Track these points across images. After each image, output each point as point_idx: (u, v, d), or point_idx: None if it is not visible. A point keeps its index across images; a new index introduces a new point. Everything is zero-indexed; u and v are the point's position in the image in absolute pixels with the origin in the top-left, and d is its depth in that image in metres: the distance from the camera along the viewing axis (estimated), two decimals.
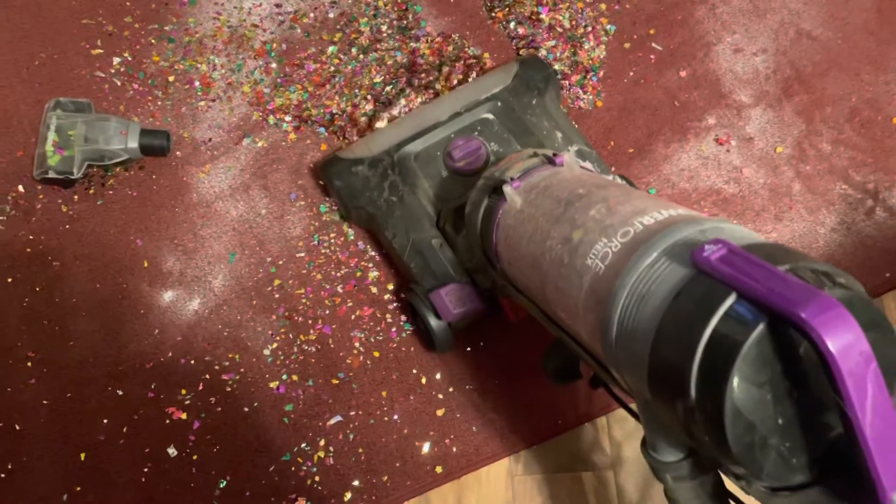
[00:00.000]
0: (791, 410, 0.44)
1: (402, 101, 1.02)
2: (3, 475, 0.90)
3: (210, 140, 1.04)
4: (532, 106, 0.97)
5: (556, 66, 1.06)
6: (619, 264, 0.54)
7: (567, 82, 1.07)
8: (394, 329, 0.96)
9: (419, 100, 1.02)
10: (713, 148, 1.06)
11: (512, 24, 1.10)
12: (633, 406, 0.67)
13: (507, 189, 0.74)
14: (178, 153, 1.03)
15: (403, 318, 0.97)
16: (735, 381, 0.43)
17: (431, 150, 0.95)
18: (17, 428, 0.91)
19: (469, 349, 0.96)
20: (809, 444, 0.44)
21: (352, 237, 1.00)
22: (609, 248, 0.56)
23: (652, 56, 1.10)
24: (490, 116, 0.96)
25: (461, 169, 0.93)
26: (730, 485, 0.52)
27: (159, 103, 1.05)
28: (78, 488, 0.89)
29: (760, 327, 0.43)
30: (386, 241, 0.94)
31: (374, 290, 0.98)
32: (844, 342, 0.40)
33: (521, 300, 0.77)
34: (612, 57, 1.10)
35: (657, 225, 0.55)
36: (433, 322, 0.88)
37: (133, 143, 0.99)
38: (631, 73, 1.09)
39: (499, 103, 0.97)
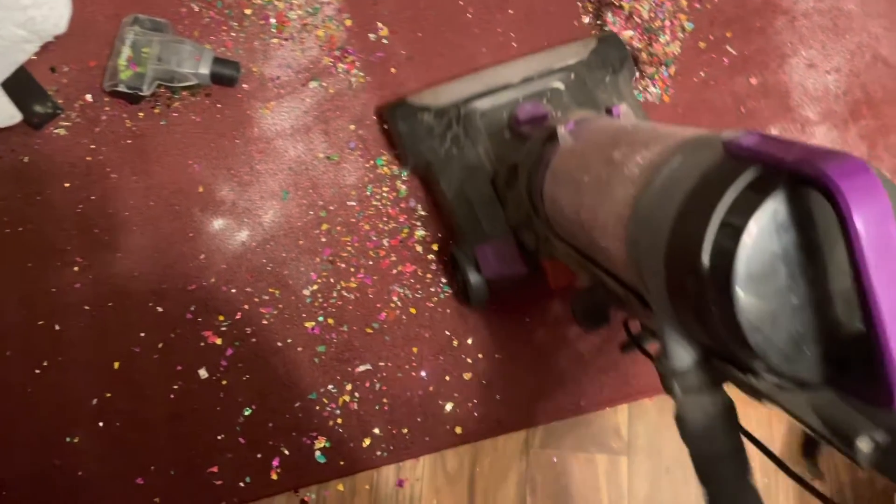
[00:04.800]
0: (806, 292, 0.41)
1: None
2: (37, 370, 0.92)
3: (278, 78, 1.05)
4: (605, 83, 0.97)
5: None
6: (654, 166, 0.52)
7: (639, 73, 1.06)
8: (433, 289, 0.98)
9: None
10: None
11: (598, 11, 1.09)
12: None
13: (560, 129, 0.74)
14: (245, 86, 1.04)
15: (444, 280, 0.98)
16: (748, 247, 0.40)
17: (498, 110, 0.95)
18: (57, 328, 0.94)
19: (503, 320, 0.97)
20: (823, 334, 0.41)
21: (404, 194, 1.01)
22: (647, 157, 0.55)
23: (725, 59, 1.10)
24: (561, 87, 0.96)
25: (524, 132, 0.93)
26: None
27: (233, 34, 1.06)
28: (108, 395, 0.92)
29: (779, 189, 0.40)
30: (439, 191, 0.95)
31: (419, 248, 0.99)
32: (869, 208, 0.36)
33: (560, 248, 0.76)
34: (686, 54, 1.10)
35: (699, 133, 0.53)
36: (472, 276, 0.88)
37: (204, 70, 1.00)
38: (702, 74, 1.09)
39: (572, 75, 0.97)
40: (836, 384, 0.42)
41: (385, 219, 1.00)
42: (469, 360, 0.95)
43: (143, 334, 0.94)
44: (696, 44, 1.11)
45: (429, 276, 0.98)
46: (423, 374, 0.95)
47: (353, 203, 1.01)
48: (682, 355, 0.49)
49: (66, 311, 0.94)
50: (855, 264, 0.37)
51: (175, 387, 0.93)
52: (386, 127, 1.01)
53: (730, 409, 0.49)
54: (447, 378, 0.95)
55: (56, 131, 0.99)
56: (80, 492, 0.89)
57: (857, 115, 1.09)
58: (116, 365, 0.93)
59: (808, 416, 0.42)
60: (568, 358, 0.96)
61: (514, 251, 0.88)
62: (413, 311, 0.97)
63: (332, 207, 1.00)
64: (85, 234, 0.97)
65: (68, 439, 0.90)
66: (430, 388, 0.94)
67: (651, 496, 0.93)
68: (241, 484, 0.90)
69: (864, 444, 0.38)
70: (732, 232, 0.41)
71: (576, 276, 0.76)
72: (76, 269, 0.95)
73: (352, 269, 0.98)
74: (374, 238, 0.99)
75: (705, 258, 0.42)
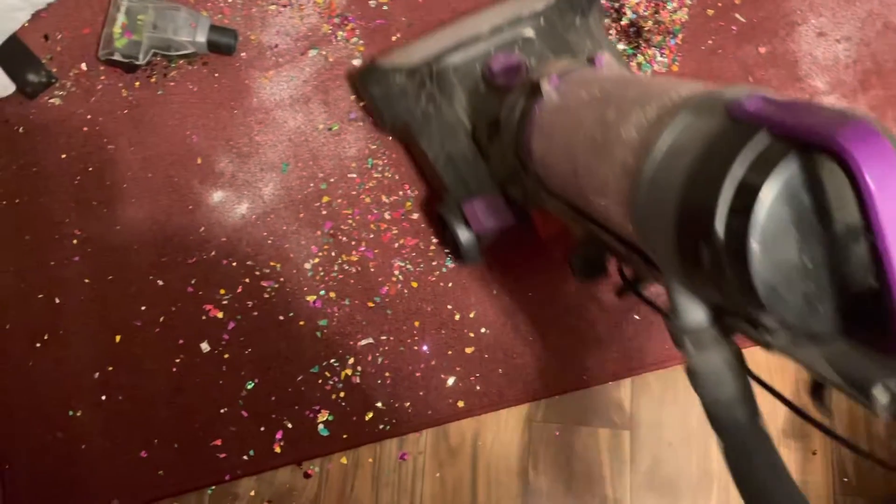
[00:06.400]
0: (820, 254, 0.42)
1: None
2: (38, 344, 0.92)
3: (276, 46, 1.02)
4: (575, 26, 0.94)
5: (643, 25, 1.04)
6: (655, 129, 0.52)
7: (645, 42, 1.04)
8: (434, 262, 0.97)
9: None
10: None
11: None
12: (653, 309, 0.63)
13: (544, 85, 0.72)
14: (242, 55, 1.01)
15: (447, 252, 0.97)
16: (762, 212, 0.41)
17: (471, 64, 0.92)
18: (57, 301, 0.93)
19: (506, 294, 0.96)
20: (836, 292, 0.42)
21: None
22: (644, 117, 0.54)
23: (734, 27, 1.08)
24: (532, 34, 0.93)
25: (500, 84, 0.90)
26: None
27: (230, 1, 1.03)
28: (110, 368, 0.92)
29: (791, 156, 0.41)
30: (420, 151, 0.93)
31: (421, 223, 0.98)
32: (882, 169, 0.37)
33: (552, 204, 0.76)
34: (694, 22, 1.07)
35: (695, 92, 0.53)
36: (462, 233, 0.88)
37: (201, 38, 0.97)
38: (710, 42, 1.07)
39: (541, 21, 0.93)
40: (849, 336, 0.43)
41: (387, 191, 0.99)
42: (471, 335, 0.95)
43: (143, 308, 0.93)
44: (703, 11, 1.08)
45: (431, 248, 0.97)
46: (424, 348, 0.94)
47: (354, 175, 0.99)
48: (693, 313, 0.50)
49: (65, 285, 0.93)
50: (869, 223, 0.38)
51: (177, 360, 0.92)
52: (358, 93, 0.99)
53: (738, 356, 0.51)
54: (449, 352, 0.95)
55: (51, 101, 0.97)
56: (84, 465, 0.89)
57: (866, 84, 1.07)
58: (118, 338, 0.92)
59: (822, 368, 0.43)
60: (571, 332, 0.95)
61: (501, 204, 0.87)
62: (415, 284, 0.96)
63: (332, 180, 0.99)
64: (83, 207, 0.96)
65: (70, 413, 0.90)
66: (433, 362, 0.94)
67: (653, 470, 0.94)
68: (245, 457, 0.90)
69: (879, 393, 0.39)
70: (746, 199, 0.42)
71: (564, 224, 0.76)
72: (75, 241, 0.94)
73: (353, 243, 0.97)
74: (376, 211, 0.98)
75: (719, 224, 0.43)
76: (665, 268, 0.52)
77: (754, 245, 0.41)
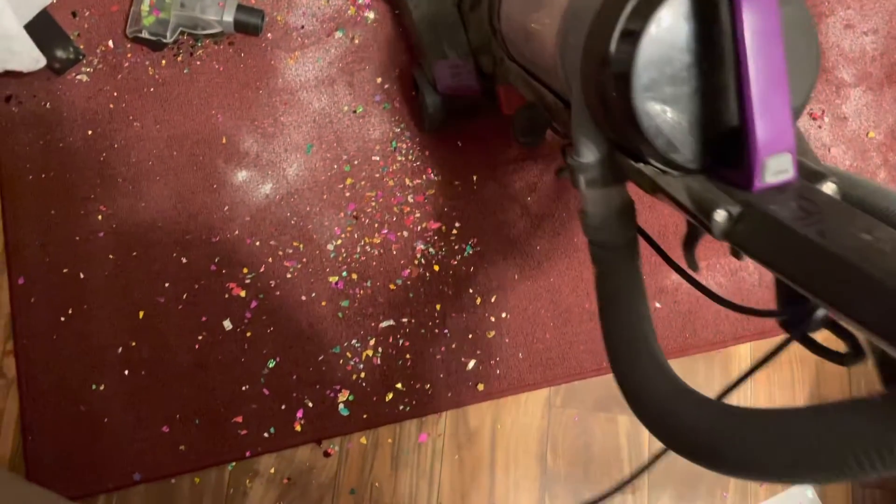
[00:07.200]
0: (697, 83, 0.45)
1: None
2: (62, 318, 0.93)
3: (302, 27, 1.02)
4: None
5: None
6: None
7: None
8: (457, 246, 0.97)
9: None
10: (805, 121, 1.04)
11: None
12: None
13: None
14: (269, 35, 1.02)
15: (473, 239, 0.97)
16: (651, 32, 0.44)
17: None
18: (82, 276, 0.94)
19: (528, 279, 0.97)
20: (707, 125, 0.46)
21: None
22: None
23: None
24: None
25: None
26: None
27: None
28: (133, 343, 0.92)
29: None
30: (406, 11, 0.95)
31: (444, 207, 0.98)
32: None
33: (513, 70, 0.78)
34: None
35: None
36: (428, 94, 0.90)
37: (228, 17, 0.98)
38: None
39: None
40: (709, 171, 0.47)
41: (410, 174, 0.99)
42: (492, 319, 0.95)
43: (167, 284, 0.94)
44: None
45: (454, 232, 0.98)
46: (445, 331, 0.95)
47: (378, 158, 0.99)
48: (589, 151, 0.53)
49: (90, 260, 0.94)
50: (736, 50, 0.42)
51: (199, 337, 0.93)
52: None
53: (628, 206, 0.54)
54: (470, 336, 0.95)
55: (78, 77, 0.98)
56: (106, 438, 0.90)
57: (893, 77, 1.06)
58: (141, 314, 0.93)
59: (681, 195, 0.46)
60: (591, 318, 0.95)
61: (470, 69, 0.90)
62: (436, 268, 0.97)
63: (356, 162, 0.99)
64: (108, 183, 0.96)
65: (94, 386, 0.91)
66: (453, 346, 0.94)
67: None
68: (266, 434, 0.91)
69: (718, 216, 0.42)
70: (639, 20, 0.45)
71: (523, 99, 0.79)
72: (100, 217, 0.95)
73: (376, 225, 0.97)
74: (399, 194, 0.98)
75: (612, 48, 0.46)
76: (574, 107, 0.55)
77: (637, 69, 0.44)
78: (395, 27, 1.02)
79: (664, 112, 0.46)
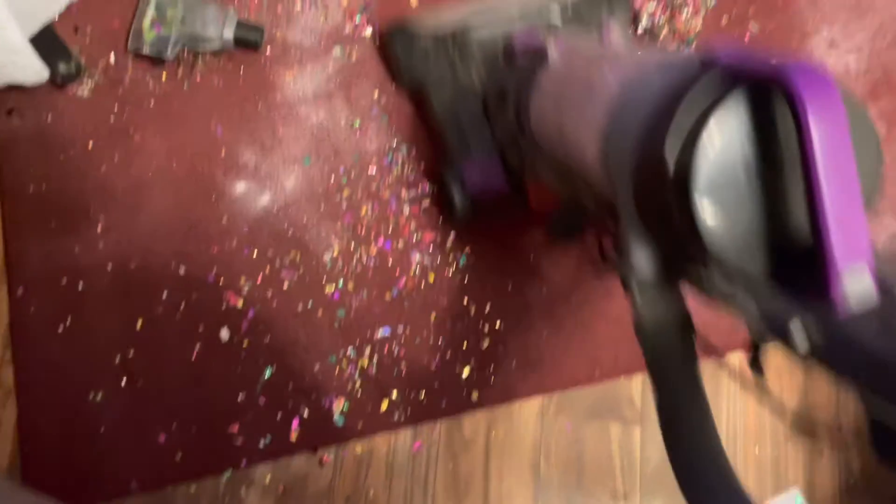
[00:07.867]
0: (763, 199, 0.44)
1: None
2: (61, 328, 0.93)
3: (301, 43, 1.05)
4: (601, 22, 0.97)
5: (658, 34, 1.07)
6: (630, 83, 0.54)
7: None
8: (451, 256, 0.99)
9: None
10: None
11: None
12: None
13: (550, 47, 0.75)
14: (268, 51, 1.04)
15: (467, 249, 0.99)
16: (709, 148, 0.43)
17: (494, 40, 0.95)
18: (80, 287, 0.95)
19: (522, 289, 0.98)
20: (776, 239, 0.44)
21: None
22: (625, 75, 0.56)
23: (747, 36, 1.10)
24: (558, 22, 0.96)
25: (519, 63, 0.92)
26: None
27: None
28: (131, 353, 0.93)
29: (740, 88, 0.43)
30: (431, 109, 0.96)
31: (440, 217, 1.00)
32: (825, 109, 0.39)
33: (542, 165, 0.78)
34: (708, 30, 1.10)
35: (680, 55, 0.55)
36: (457, 192, 0.91)
37: (228, 34, 1.00)
38: None
39: (570, 11, 0.97)
40: (780, 281, 0.44)
41: (406, 186, 1.01)
42: (486, 328, 0.97)
43: (165, 295, 0.95)
44: (718, 19, 1.11)
45: (449, 242, 0.99)
46: (440, 340, 0.96)
47: (374, 170, 1.01)
48: (642, 255, 0.52)
49: (88, 270, 0.95)
50: (806, 165, 0.40)
51: (196, 347, 0.94)
52: (378, 45, 1.02)
53: (686, 319, 0.52)
54: (464, 345, 0.96)
55: (80, 91, 0.99)
56: (102, 448, 0.91)
57: (876, 94, 1.09)
58: (139, 324, 0.94)
59: (750, 308, 0.44)
60: (584, 328, 0.97)
61: (497, 167, 0.91)
62: (432, 278, 0.98)
63: (353, 174, 1.01)
64: (107, 195, 0.98)
65: (91, 395, 0.92)
66: (448, 355, 0.96)
67: (663, 465, 0.95)
68: (261, 443, 0.92)
69: (796, 328, 0.40)
70: (692, 137, 0.44)
71: (554, 199, 0.79)
72: (99, 228, 0.96)
73: (372, 236, 0.99)
74: (395, 206, 1.00)
75: (669, 163, 0.45)
76: (624, 214, 0.54)
77: (699, 185, 0.43)
78: (421, 123, 1.02)
79: (731, 228, 0.44)
